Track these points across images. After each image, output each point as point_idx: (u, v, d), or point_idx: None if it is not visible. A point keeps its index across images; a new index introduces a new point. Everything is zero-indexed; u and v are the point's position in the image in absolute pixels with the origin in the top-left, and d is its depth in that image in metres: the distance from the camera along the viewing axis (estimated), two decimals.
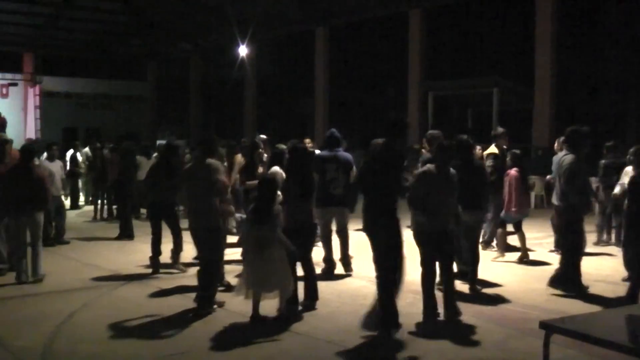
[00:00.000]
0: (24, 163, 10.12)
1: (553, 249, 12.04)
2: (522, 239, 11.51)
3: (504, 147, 12.12)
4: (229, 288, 9.06)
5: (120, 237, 14.04)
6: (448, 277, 7.94)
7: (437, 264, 7.91)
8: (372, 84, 28.01)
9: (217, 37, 32.92)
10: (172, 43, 36.55)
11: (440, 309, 7.85)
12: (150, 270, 10.66)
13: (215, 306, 8.23)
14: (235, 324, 7.78)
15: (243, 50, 30.47)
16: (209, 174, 8.20)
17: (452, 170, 7.95)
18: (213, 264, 8.30)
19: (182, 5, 32.46)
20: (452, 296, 7.90)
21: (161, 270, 10.60)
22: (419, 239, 7.91)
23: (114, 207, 16.91)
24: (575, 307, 8.19)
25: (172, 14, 33.89)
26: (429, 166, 8.03)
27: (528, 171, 12.22)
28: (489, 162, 11.54)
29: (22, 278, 9.80)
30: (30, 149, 10.64)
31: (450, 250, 8.01)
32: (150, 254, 10.74)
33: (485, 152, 12.18)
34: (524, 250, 11.53)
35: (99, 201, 17.70)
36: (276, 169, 9.78)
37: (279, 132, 24.86)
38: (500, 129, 12.53)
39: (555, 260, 11.41)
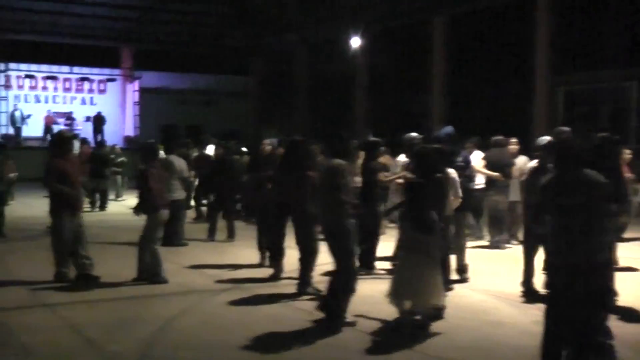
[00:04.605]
0: (146, 162, 10.64)
1: None
2: None
3: None
4: (317, 295, 9.20)
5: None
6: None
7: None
8: (495, 77, 27.54)
9: (326, 29, 33.06)
10: (277, 35, 36.87)
11: None
12: (253, 276, 10.85)
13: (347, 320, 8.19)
14: (345, 334, 7.79)
15: (355, 42, 30.48)
16: (332, 174, 8.27)
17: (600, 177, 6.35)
18: (344, 268, 8.28)
19: None
20: None
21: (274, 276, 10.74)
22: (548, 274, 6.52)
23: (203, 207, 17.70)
24: None
25: (278, 4, 34.24)
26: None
27: None
28: None
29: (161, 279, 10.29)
30: (154, 148, 11.10)
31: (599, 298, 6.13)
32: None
33: None
34: None
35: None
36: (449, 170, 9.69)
37: (392, 129, 24.73)
38: None
39: None
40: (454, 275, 10.28)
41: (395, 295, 7.90)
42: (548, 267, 6.38)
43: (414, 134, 11.78)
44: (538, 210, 6.50)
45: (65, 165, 10.38)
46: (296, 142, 10.91)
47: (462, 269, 10.53)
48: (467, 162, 11.05)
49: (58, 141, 10.86)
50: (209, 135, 22.75)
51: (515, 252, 12.89)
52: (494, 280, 10.63)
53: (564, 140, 7.54)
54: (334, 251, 8.25)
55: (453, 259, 10.24)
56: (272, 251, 10.99)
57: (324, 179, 8.50)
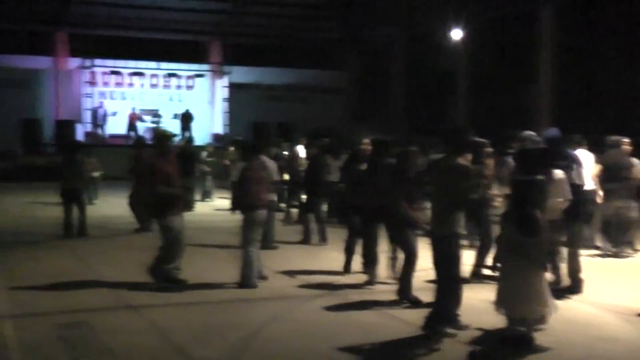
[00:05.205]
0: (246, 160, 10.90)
1: None
2: None
3: None
4: (416, 304, 9.21)
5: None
6: None
7: None
8: (607, 71, 26.88)
9: (425, 20, 32.85)
10: (373, 27, 36.77)
11: None
12: (346, 282, 10.86)
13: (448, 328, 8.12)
14: (445, 345, 7.72)
15: (456, 35, 30.22)
16: (451, 176, 8.04)
17: None
18: (447, 277, 8.14)
19: None
20: None
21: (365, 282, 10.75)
22: None
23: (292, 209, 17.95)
24: None
25: None
26: None
27: None
28: None
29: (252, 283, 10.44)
30: (256, 147, 11.22)
31: None
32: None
33: None
34: None
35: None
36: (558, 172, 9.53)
37: (495, 128, 24.39)
38: None
39: None
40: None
41: (501, 303, 7.78)
42: None
43: (530, 132, 11.53)
44: None
45: (167, 165, 10.62)
46: (382, 142, 10.89)
47: (573, 280, 10.27)
48: (576, 162, 10.74)
49: (158, 140, 11.06)
50: (300, 133, 22.90)
51: (633, 261, 12.58)
52: (607, 292, 10.34)
53: None
54: (440, 258, 8.14)
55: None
56: (366, 257, 10.96)
57: (441, 180, 8.26)
